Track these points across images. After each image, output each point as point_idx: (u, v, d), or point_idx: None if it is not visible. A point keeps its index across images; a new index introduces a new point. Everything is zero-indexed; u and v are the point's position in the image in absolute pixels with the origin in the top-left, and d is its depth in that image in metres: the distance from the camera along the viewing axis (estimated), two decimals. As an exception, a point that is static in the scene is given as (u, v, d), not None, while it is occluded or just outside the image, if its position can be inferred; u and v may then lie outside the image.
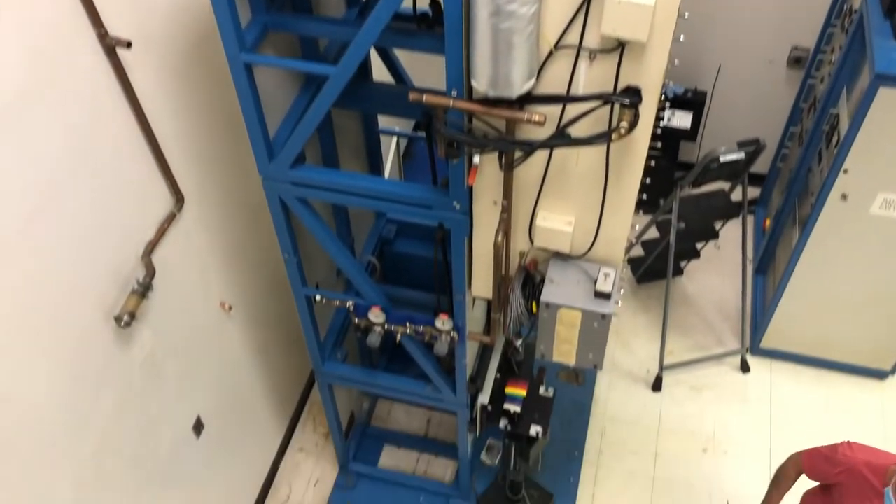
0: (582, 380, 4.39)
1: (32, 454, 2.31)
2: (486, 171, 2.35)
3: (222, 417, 3.47)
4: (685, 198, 4.10)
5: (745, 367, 4.51)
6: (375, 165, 3.57)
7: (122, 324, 2.49)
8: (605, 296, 2.47)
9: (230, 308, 3.30)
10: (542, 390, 3.47)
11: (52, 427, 2.37)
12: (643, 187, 2.38)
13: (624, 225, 2.48)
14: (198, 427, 3.29)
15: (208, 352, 3.28)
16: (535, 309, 2.64)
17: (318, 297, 3.06)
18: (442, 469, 4.16)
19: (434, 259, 3.04)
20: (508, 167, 2.28)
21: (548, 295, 2.50)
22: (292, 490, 4.13)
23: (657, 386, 4.44)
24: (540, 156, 2.27)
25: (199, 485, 3.42)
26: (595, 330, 2.52)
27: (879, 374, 4.43)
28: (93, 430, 2.58)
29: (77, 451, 2.51)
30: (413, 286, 3.47)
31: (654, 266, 4.63)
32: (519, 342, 3.25)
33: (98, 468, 2.64)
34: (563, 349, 2.64)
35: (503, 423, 3.36)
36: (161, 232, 2.69)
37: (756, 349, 4.53)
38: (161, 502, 3.12)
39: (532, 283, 2.66)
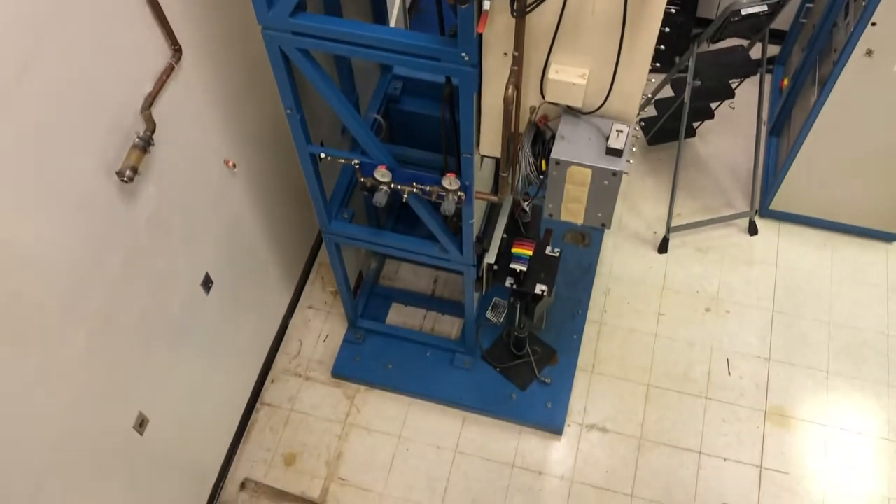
0: (588, 241, 4.43)
1: (45, 308, 2.35)
2: (497, 19, 2.23)
3: (231, 275, 3.51)
4: (702, 54, 3.95)
5: (752, 230, 4.50)
6: (380, 17, 3.41)
7: (125, 178, 2.45)
8: (616, 152, 2.41)
9: (234, 165, 3.26)
10: (548, 250, 3.47)
11: (61, 281, 2.39)
12: (661, 38, 2.27)
13: (640, 79, 2.38)
14: (206, 283, 3.33)
15: (214, 209, 3.26)
16: (544, 167, 2.59)
17: (322, 155, 3.00)
18: (448, 326, 4.25)
19: (442, 117, 2.96)
20: (521, 13, 2.16)
21: (558, 152, 2.44)
22: (303, 345, 4.25)
23: (663, 248, 4.45)
24: (554, 1, 2.15)
25: (211, 340, 3.50)
26: (605, 188, 2.47)
27: (886, 237, 4.42)
28: (102, 286, 2.61)
29: (87, 306, 2.55)
30: (420, 146, 3.41)
31: (666, 126, 4.52)
32: (526, 203, 3.23)
33: (108, 323, 2.69)
34: (572, 208, 2.61)
35: (509, 281, 3.39)
36: (160, 84, 2.60)
37: (765, 211, 4.50)
38: (173, 356, 3.21)
39: (542, 140, 2.60)
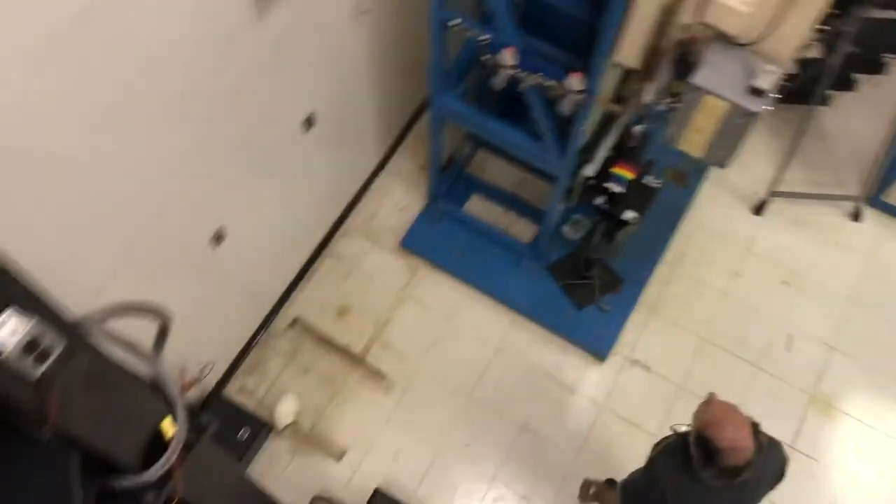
0: (686, 182, 4.30)
1: (161, 100, 2.40)
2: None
3: (332, 121, 3.52)
4: (867, 19, 3.68)
5: (856, 216, 4.31)
6: None
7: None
8: (759, 93, 2.30)
9: (366, 12, 3.21)
10: (648, 179, 3.39)
11: (180, 80, 2.43)
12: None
13: (806, 23, 2.24)
14: (308, 123, 3.35)
15: (333, 52, 3.25)
16: (677, 90, 2.49)
17: (453, 22, 2.94)
18: (522, 229, 4.23)
19: (583, 14, 2.85)
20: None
21: (699, 77, 2.34)
22: (379, 209, 4.30)
23: (759, 210, 4.31)
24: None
25: (297, 179, 3.56)
26: (735, 126, 2.38)
27: None
28: (214, 96, 2.64)
29: (198, 110, 2.60)
30: (548, 40, 3.30)
31: (802, 87, 4.28)
32: (640, 127, 3.14)
33: (212, 133, 2.74)
34: (694, 139, 2.52)
35: (601, 199, 3.34)
36: None
37: (875, 201, 4.30)
38: (260, 183, 3.27)
39: (684, 61, 2.48)
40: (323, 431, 3.78)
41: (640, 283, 4.03)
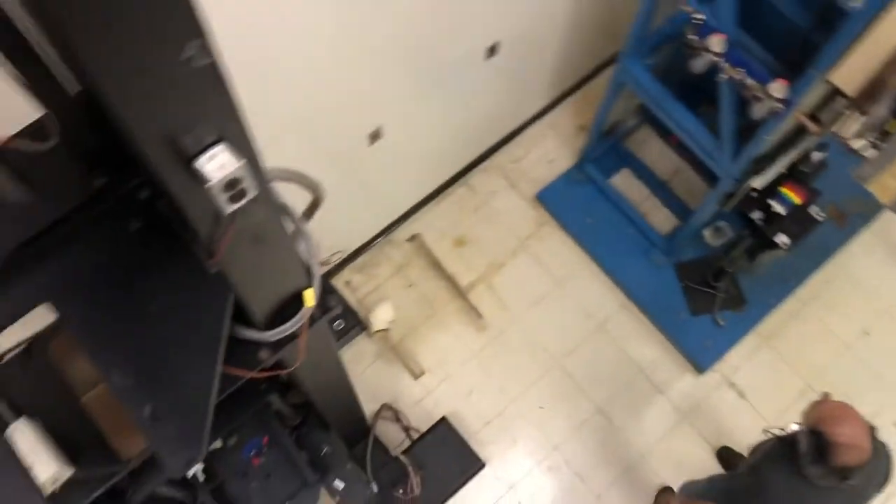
0: (845, 224, 4.06)
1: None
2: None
3: (513, 57, 3.48)
4: None
5: None
6: None
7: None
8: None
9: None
10: (812, 210, 3.22)
11: None
12: None
13: None
14: (491, 51, 3.32)
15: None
16: (892, 128, 2.33)
17: (671, -8, 2.82)
18: (662, 220, 4.11)
19: (806, 24, 2.67)
20: None
21: (922, 122, 2.17)
22: (527, 155, 4.26)
23: (914, 275, 4.04)
24: None
25: (463, 99, 3.55)
26: (942, 185, 2.21)
27: None
28: (415, 4, 2.65)
29: (397, 10, 2.61)
30: (764, 41, 3.12)
31: None
32: (821, 154, 2.96)
33: (400, 38, 2.76)
34: (889, 184, 2.36)
35: (758, 214, 3.20)
36: None
37: None
38: (427, 96, 3.28)
39: (906, 101, 2.31)
40: (409, 347, 3.86)
41: (763, 309, 3.87)
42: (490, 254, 4.04)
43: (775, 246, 3.24)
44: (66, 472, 1.60)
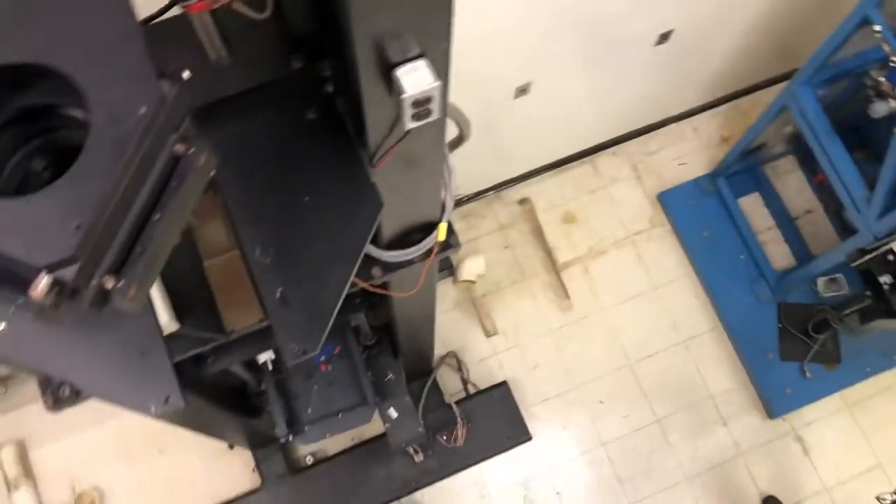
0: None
1: None
2: None
3: (684, 48, 3.37)
4: None
5: None
6: None
7: None
8: None
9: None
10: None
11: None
12: None
13: None
14: (663, 38, 3.22)
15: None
16: None
17: (875, 27, 2.65)
18: (778, 255, 3.95)
19: None
20: None
21: None
22: (661, 151, 4.14)
23: None
24: None
25: (620, 81, 3.47)
26: None
27: None
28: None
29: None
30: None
31: None
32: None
33: (571, 14, 2.70)
34: None
35: (887, 278, 3.04)
36: None
37: None
38: (582, 64, 3.21)
39: None
40: (489, 305, 3.86)
41: (856, 375, 3.71)
42: (595, 238, 3.98)
43: (893, 317, 3.08)
44: (173, 326, 1.67)
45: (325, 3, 1.12)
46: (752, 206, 4.03)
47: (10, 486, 3.46)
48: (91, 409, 3.55)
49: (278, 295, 1.26)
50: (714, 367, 3.79)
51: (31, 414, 3.61)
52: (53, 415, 3.27)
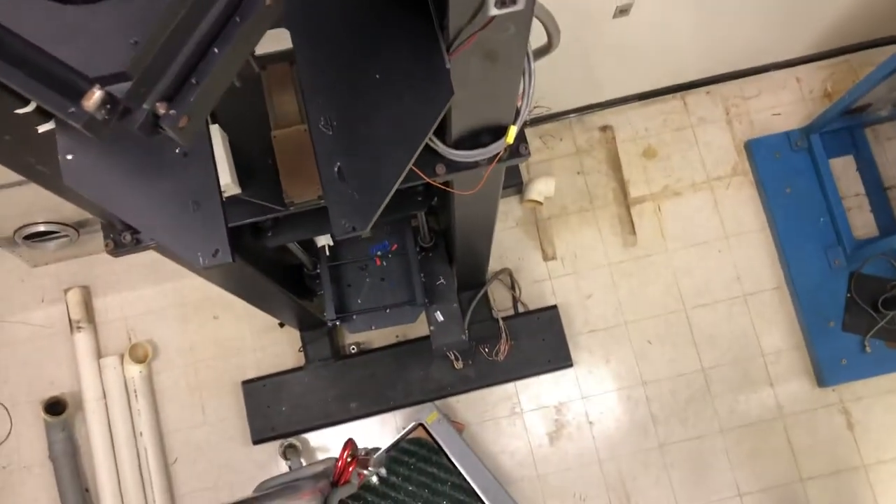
0: None
1: None
2: None
3: None
4: None
5: None
6: None
7: None
8: None
9: None
10: None
11: None
12: None
13: None
14: None
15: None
16: None
17: None
18: (861, 223, 3.78)
19: None
20: None
21: None
22: (757, 97, 3.94)
23: None
24: None
25: (730, 13, 3.28)
26: None
27: None
28: None
29: None
30: None
31: None
32: None
33: None
34: None
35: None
36: None
37: None
38: (700, 4, 3.05)
39: None
40: (552, 228, 3.82)
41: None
42: (672, 177, 3.86)
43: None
44: (234, 189, 1.70)
45: None
46: (843, 169, 3.83)
47: (73, 327, 3.67)
48: (154, 268, 3.71)
49: (336, 168, 1.26)
50: (771, 326, 3.70)
51: (98, 262, 3.79)
52: (117, 262, 3.42)
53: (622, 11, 3.02)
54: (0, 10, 0.65)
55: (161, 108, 0.71)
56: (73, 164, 1.23)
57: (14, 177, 2.99)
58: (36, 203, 3.25)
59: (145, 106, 0.70)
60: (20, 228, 3.39)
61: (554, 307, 3.65)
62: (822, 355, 3.59)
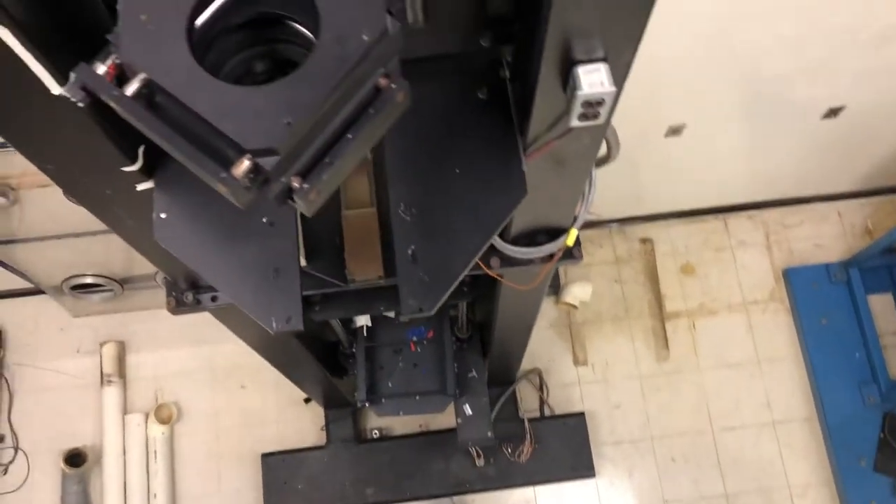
0: None
1: None
2: None
3: (850, 128, 3.27)
4: None
5: None
6: None
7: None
8: None
9: None
10: None
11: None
12: None
13: None
14: (832, 113, 3.13)
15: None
16: None
17: None
18: (898, 362, 3.76)
19: None
20: None
21: None
22: (798, 226, 4.00)
23: None
24: None
25: (776, 145, 3.39)
26: None
27: None
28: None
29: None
30: None
31: None
32: None
33: (738, 68, 2.65)
34: None
35: None
36: None
37: None
38: (744, 124, 3.15)
39: None
40: (585, 333, 3.84)
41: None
42: (709, 296, 3.89)
43: None
44: (301, 261, 1.77)
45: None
46: (882, 306, 3.84)
47: (104, 381, 3.71)
48: (190, 331, 3.76)
49: (410, 251, 1.32)
50: (799, 457, 3.63)
51: (137, 319, 3.86)
52: (154, 320, 3.48)
53: (674, 131, 3.14)
54: (179, 87, 0.74)
55: (296, 182, 0.78)
56: (166, 223, 1.31)
57: (72, 227, 3.12)
58: (87, 255, 3.36)
59: (283, 179, 0.78)
60: (69, 278, 3.49)
61: (581, 414, 3.63)
62: (851, 494, 3.51)
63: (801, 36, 2.60)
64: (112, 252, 3.33)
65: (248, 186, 0.76)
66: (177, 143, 0.76)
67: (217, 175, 0.76)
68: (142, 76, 0.76)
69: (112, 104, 0.78)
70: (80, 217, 2.71)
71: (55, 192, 2.55)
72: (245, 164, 0.75)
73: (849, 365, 3.69)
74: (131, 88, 0.76)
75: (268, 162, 0.76)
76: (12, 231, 3.11)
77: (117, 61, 0.78)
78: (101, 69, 0.78)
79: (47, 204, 2.89)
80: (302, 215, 1.79)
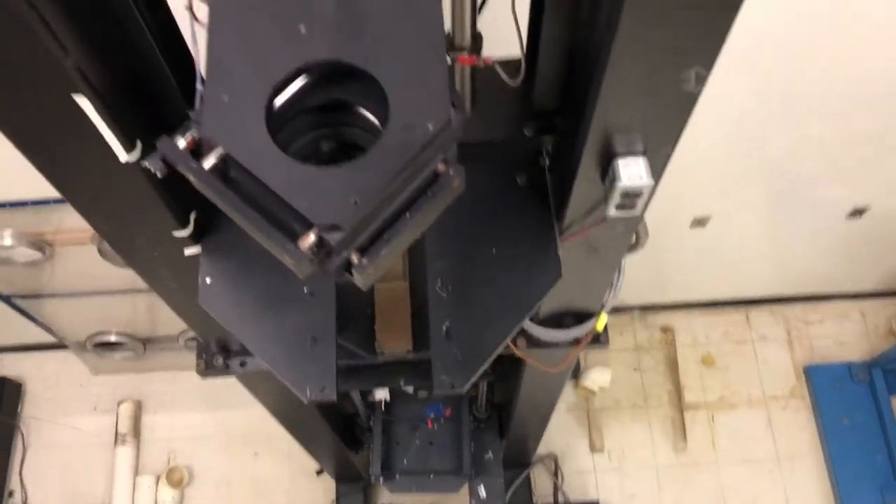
0: None
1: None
2: None
3: (874, 228, 3.31)
4: None
5: None
6: None
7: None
8: None
9: None
10: None
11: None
12: None
13: None
14: (857, 213, 3.18)
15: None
16: None
17: None
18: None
19: None
20: None
21: None
22: (820, 323, 3.99)
23: None
24: None
25: (799, 241, 3.43)
26: None
27: None
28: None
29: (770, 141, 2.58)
30: None
31: None
32: None
33: (766, 165, 2.71)
34: None
35: None
36: None
37: None
38: (768, 219, 3.19)
39: None
40: (602, 420, 3.80)
41: None
42: (729, 389, 3.86)
43: None
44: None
45: (575, 85, 1.24)
46: (904, 411, 3.79)
47: (118, 440, 3.71)
48: (207, 395, 3.77)
49: (445, 328, 1.35)
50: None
51: (155, 380, 3.88)
52: (173, 382, 3.46)
53: (699, 223, 3.19)
54: (254, 163, 0.80)
55: (355, 257, 0.83)
56: (211, 288, 1.35)
57: (101, 286, 3.17)
58: (113, 314, 3.41)
59: (345, 253, 0.82)
60: (93, 335, 3.53)
61: (595, 503, 3.56)
62: None
63: (828, 137, 2.67)
64: (137, 312, 3.38)
65: (312, 259, 0.80)
66: (248, 215, 0.81)
67: (284, 246, 0.80)
68: (219, 151, 0.81)
69: (189, 176, 0.83)
70: (110, 276, 2.78)
71: (89, 251, 2.63)
72: (311, 237, 0.79)
73: (870, 467, 3.62)
74: (209, 162, 0.82)
75: (332, 237, 0.80)
76: (43, 285, 3.17)
77: (196, 136, 0.84)
78: (182, 143, 0.84)
79: (80, 261, 2.95)
80: (337, 286, 1.84)
